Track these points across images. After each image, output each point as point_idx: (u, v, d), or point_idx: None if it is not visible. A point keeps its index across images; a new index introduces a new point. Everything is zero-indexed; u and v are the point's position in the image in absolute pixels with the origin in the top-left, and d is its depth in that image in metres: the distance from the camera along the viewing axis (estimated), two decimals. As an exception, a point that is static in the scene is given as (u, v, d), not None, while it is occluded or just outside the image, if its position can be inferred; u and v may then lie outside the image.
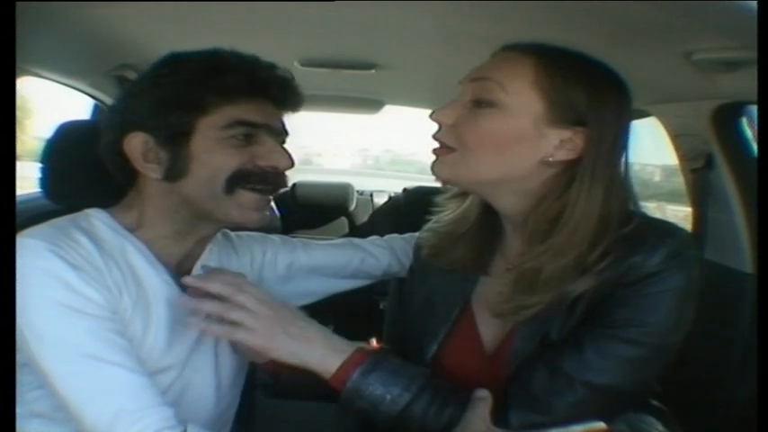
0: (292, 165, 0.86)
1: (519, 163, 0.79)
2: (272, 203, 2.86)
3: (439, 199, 0.96)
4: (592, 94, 0.79)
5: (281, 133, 0.87)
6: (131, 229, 0.84)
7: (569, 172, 0.79)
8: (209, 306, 0.77)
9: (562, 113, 0.78)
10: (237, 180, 0.82)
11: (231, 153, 0.81)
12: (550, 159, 0.79)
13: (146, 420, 0.70)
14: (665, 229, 0.78)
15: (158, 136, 0.80)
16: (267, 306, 0.78)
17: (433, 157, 0.84)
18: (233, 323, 0.76)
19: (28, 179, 1.21)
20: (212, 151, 0.80)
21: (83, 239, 0.78)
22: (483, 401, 0.74)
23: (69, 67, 1.37)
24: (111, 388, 0.71)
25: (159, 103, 0.80)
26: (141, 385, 0.73)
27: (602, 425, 0.73)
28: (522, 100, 0.78)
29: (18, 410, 0.77)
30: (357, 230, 2.79)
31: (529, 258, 0.78)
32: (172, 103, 0.79)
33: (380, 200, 2.93)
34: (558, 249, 0.76)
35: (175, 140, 0.80)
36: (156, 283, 0.83)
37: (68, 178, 0.97)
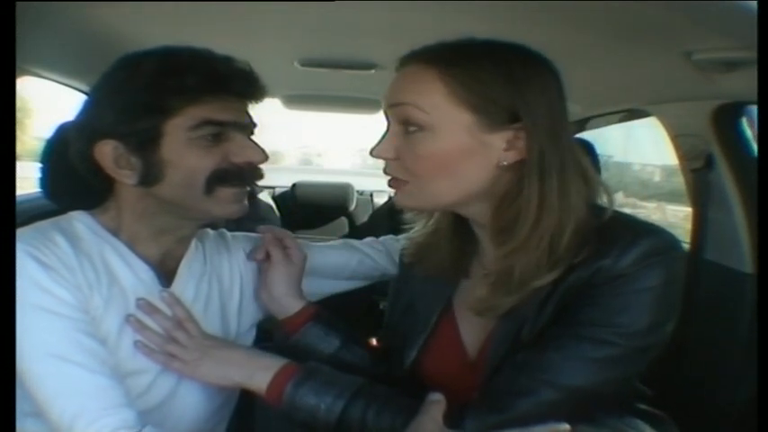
0: (266, 158, 0.86)
1: (474, 177, 0.76)
2: (272, 204, 2.85)
3: (407, 216, 0.94)
4: (513, 85, 0.74)
5: (249, 126, 0.87)
6: (113, 230, 0.85)
7: (520, 171, 0.76)
8: (150, 336, 0.84)
9: (492, 116, 0.74)
10: (216, 180, 0.82)
11: (203, 154, 0.81)
12: (504, 164, 0.75)
13: (103, 421, 0.72)
14: (641, 230, 0.74)
15: (128, 142, 0.80)
16: (197, 340, 0.86)
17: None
18: (170, 354, 0.84)
19: (28, 179, 1.22)
20: (184, 154, 0.80)
21: (60, 239, 0.79)
22: (436, 404, 0.74)
23: (69, 67, 1.37)
24: (73, 388, 0.73)
25: (124, 109, 0.79)
26: (103, 387, 0.74)
27: (566, 426, 0.70)
28: (446, 116, 0.74)
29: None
30: (357, 230, 2.79)
31: (498, 260, 0.77)
32: (136, 109, 0.79)
33: (380, 200, 2.93)
34: (521, 247, 0.74)
35: (145, 146, 0.80)
36: (134, 282, 0.84)
37: (68, 178, 0.97)
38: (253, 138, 0.87)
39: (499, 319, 0.80)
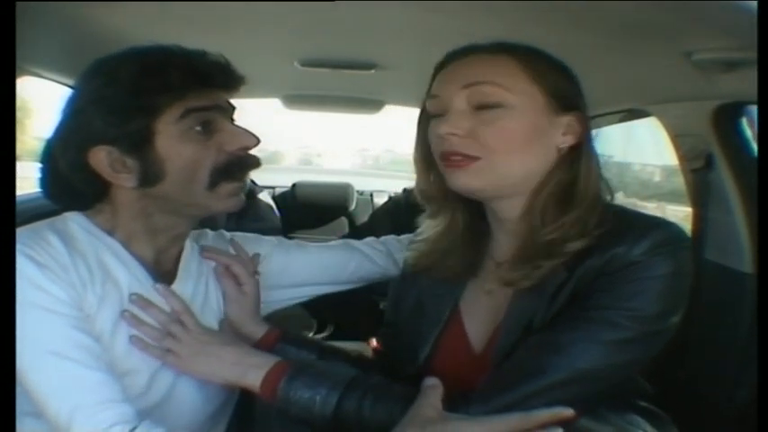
0: (258, 141, 0.87)
1: (541, 156, 0.82)
2: (272, 203, 2.85)
3: (420, 219, 0.95)
4: (570, 80, 0.83)
5: (230, 110, 0.88)
6: (108, 231, 0.85)
7: (569, 155, 0.83)
8: (147, 330, 0.84)
9: (559, 101, 0.81)
10: (219, 174, 0.83)
11: (198, 148, 0.82)
12: (562, 146, 0.82)
13: (101, 416, 0.73)
14: (653, 222, 0.78)
15: (121, 146, 0.80)
16: (192, 334, 0.86)
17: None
18: (166, 349, 0.84)
19: (28, 179, 1.21)
20: (179, 149, 0.81)
21: (53, 239, 0.79)
22: (433, 389, 0.76)
23: (69, 67, 1.37)
24: (69, 384, 0.74)
25: (111, 114, 0.79)
26: (99, 382, 0.75)
27: (569, 411, 0.71)
28: (527, 96, 0.80)
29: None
30: (357, 230, 2.79)
31: (551, 231, 0.79)
32: (123, 112, 0.79)
33: (380, 200, 2.93)
34: (578, 219, 0.79)
35: (140, 147, 0.80)
36: (129, 280, 0.84)
37: (68, 178, 0.97)
38: (237, 123, 0.88)
39: (507, 313, 0.82)
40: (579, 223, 0.79)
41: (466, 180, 0.81)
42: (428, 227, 0.93)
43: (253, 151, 0.88)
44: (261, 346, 0.94)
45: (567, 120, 0.82)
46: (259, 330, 0.96)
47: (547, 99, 0.81)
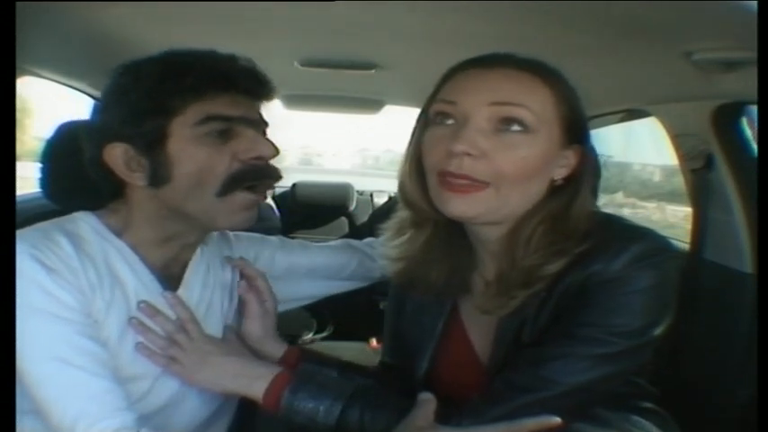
0: (277, 152, 0.84)
1: (539, 187, 0.79)
2: (273, 204, 2.85)
3: (391, 224, 0.90)
4: (581, 111, 0.80)
5: (260, 124, 0.86)
6: (118, 233, 0.85)
7: (560, 186, 0.80)
8: (153, 338, 0.84)
9: (568, 134, 0.78)
10: (235, 183, 0.82)
11: (211, 152, 0.80)
12: (557, 178, 0.79)
13: (103, 423, 0.73)
14: (634, 235, 0.77)
15: (136, 144, 0.80)
16: (196, 343, 0.86)
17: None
18: (171, 357, 0.85)
19: (28, 179, 1.21)
20: (190, 151, 0.80)
21: (63, 241, 0.79)
22: (428, 402, 0.78)
23: (69, 67, 1.37)
24: (73, 391, 0.74)
25: (129, 112, 0.80)
26: (103, 390, 0.75)
27: (556, 419, 0.72)
28: (548, 125, 0.76)
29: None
30: (357, 230, 2.79)
31: (532, 259, 0.77)
32: (141, 111, 0.79)
33: (380, 200, 2.93)
34: (563, 250, 0.76)
35: (153, 146, 0.80)
36: (137, 285, 0.84)
37: (69, 178, 0.97)
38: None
39: (500, 321, 0.81)
40: (564, 253, 0.76)
41: (464, 208, 0.76)
42: (407, 239, 0.88)
43: None
44: (283, 365, 0.92)
45: (567, 152, 0.79)
46: (279, 349, 0.95)
47: (562, 131, 0.78)
